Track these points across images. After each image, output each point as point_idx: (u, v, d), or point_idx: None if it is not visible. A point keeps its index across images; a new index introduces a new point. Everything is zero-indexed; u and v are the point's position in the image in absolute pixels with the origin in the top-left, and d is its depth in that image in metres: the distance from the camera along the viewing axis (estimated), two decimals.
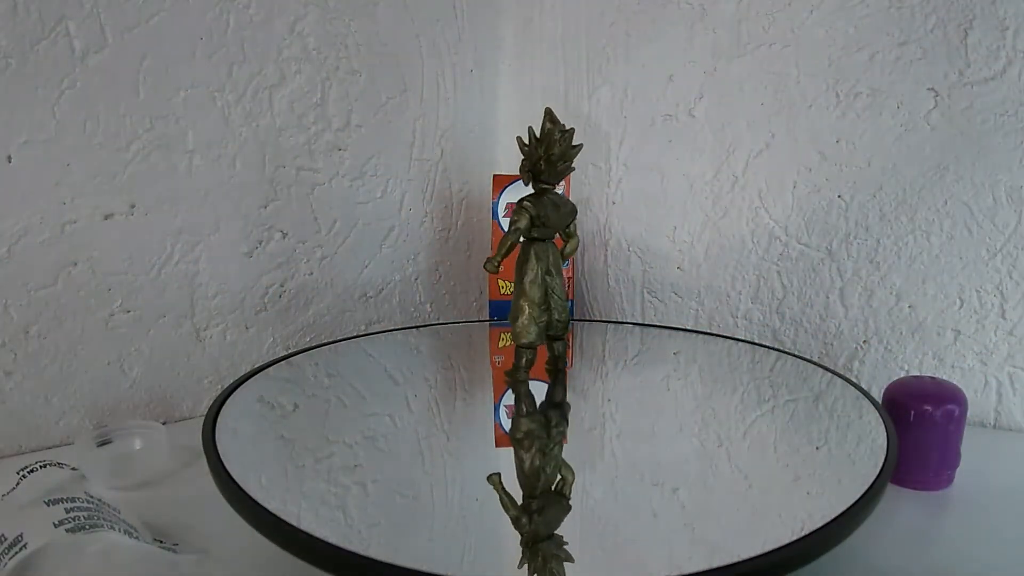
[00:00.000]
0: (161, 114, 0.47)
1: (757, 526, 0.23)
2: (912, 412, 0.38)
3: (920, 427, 0.38)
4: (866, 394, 0.35)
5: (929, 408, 0.38)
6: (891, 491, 0.39)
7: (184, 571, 0.29)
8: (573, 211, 0.43)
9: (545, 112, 0.40)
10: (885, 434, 0.30)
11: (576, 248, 0.44)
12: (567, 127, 0.40)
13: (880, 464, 0.27)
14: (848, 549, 0.32)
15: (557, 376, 0.42)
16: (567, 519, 0.27)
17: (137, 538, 0.30)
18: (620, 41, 0.63)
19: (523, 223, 0.39)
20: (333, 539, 0.22)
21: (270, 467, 0.28)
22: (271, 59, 0.52)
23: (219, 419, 0.31)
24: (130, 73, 0.45)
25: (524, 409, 0.36)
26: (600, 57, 0.65)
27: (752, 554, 0.21)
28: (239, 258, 0.52)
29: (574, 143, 0.40)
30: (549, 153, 0.39)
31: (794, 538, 0.22)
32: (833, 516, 0.23)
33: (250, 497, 0.24)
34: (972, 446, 0.41)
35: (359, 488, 0.27)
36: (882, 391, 0.40)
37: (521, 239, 0.40)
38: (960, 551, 0.32)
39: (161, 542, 0.31)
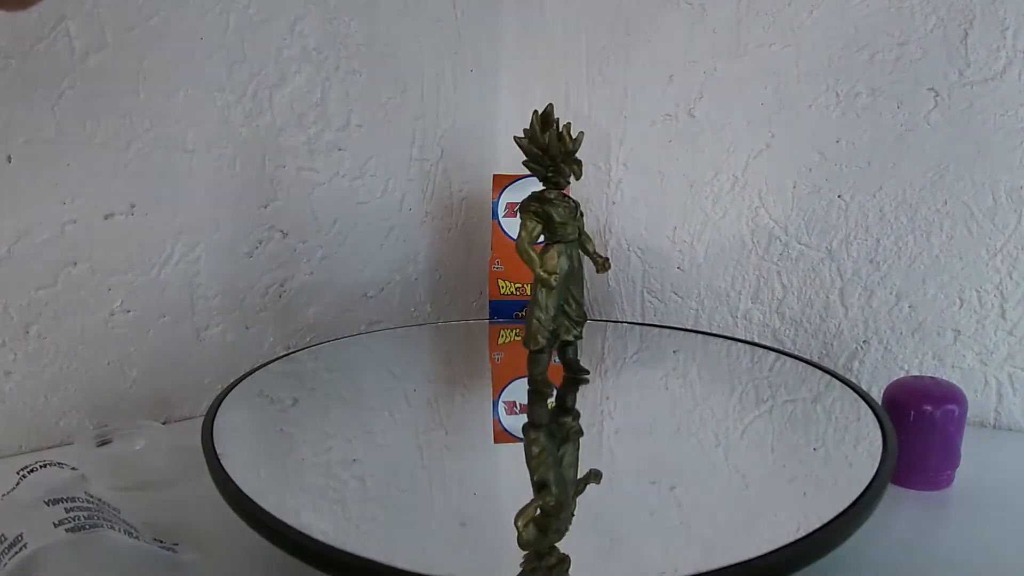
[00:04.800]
0: (161, 114, 0.47)
1: (754, 525, 0.23)
2: (912, 412, 0.38)
3: (920, 427, 0.38)
4: (864, 395, 0.35)
5: (929, 408, 0.38)
6: (891, 491, 0.39)
7: (184, 571, 0.29)
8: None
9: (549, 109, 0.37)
10: (882, 436, 0.30)
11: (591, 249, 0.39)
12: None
13: (877, 465, 0.27)
14: (847, 549, 0.32)
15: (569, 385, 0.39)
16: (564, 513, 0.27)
17: (137, 538, 0.30)
18: (620, 41, 0.64)
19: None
20: (331, 533, 0.22)
21: (269, 461, 0.28)
22: (271, 59, 0.52)
23: (219, 413, 0.31)
24: (130, 73, 0.45)
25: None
26: (600, 57, 0.65)
27: (752, 555, 0.21)
28: (239, 258, 0.52)
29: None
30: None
31: (791, 540, 0.22)
32: (831, 517, 0.23)
33: (250, 499, 0.24)
34: (972, 446, 0.40)
35: (357, 482, 0.27)
36: (882, 391, 0.40)
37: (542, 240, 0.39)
38: (960, 551, 0.32)
39: (161, 542, 0.31)
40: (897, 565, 0.31)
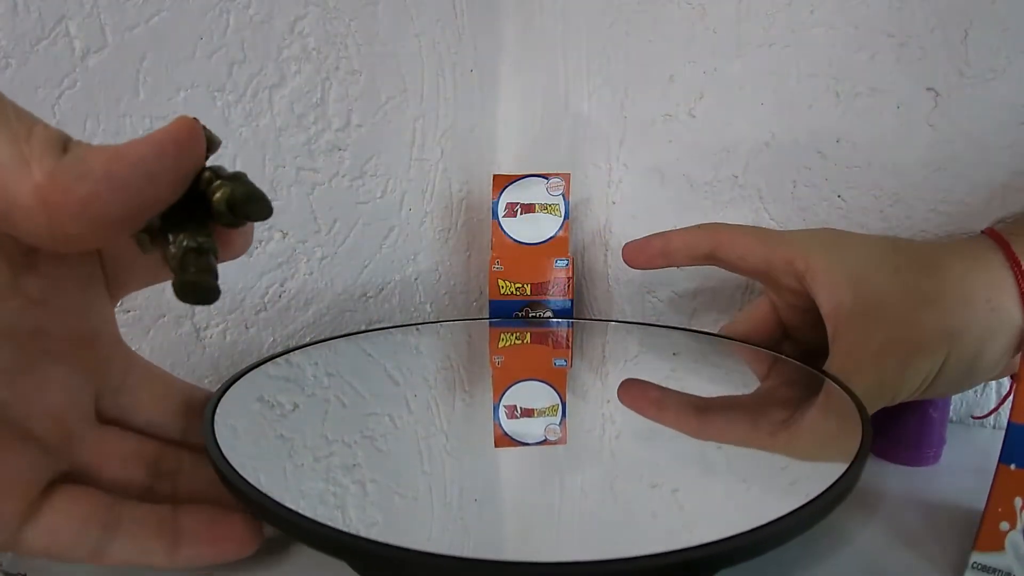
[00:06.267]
0: (161, 114, 0.47)
1: (757, 526, 0.23)
2: None
3: (903, 407, 0.41)
4: (855, 399, 0.35)
5: None
6: (881, 466, 0.43)
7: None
8: None
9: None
10: (861, 434, 0.30)
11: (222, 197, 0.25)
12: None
13: (846, 467, 0.27)
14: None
15: None
16: (565, 518, 0.27)
17: None
18: (620, 41, 0.63)
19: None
20: None
21: (269, 466, 0.28)
22: (271, 59, 0.52)
23: (219, 418, 0.31)
24: (130, 73, 0.45)
25: None
26: (600, 57, 0.65)
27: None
28: (239, 258, 0.52)
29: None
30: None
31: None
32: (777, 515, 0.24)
33: (256, 488, 0.24)
34: (972, 446, 0.41)
35: (358, 487, 0.27)
36: None
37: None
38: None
39: None
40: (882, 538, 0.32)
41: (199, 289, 0.24)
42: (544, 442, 0.34)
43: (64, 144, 0.22)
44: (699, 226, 0.48)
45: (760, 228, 0.46)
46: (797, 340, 0.48)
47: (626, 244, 0.51)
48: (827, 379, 0.38)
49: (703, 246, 0.47)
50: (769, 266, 0.44)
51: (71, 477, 0.27)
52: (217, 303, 0.51)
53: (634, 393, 0.42)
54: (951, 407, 0.45)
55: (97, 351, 0.29)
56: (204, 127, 0.25)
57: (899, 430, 0.43)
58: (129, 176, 0.21)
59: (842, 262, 0.40)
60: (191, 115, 0.24)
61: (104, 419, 0.29)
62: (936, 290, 0.38)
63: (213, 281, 0.25)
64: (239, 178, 0.25)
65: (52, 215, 0.20)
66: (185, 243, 0.24)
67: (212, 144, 0.26)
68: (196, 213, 0.25)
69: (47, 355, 0.26)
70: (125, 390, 0.31)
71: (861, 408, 0.33)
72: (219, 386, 0.35)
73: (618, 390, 0.42)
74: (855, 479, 0.27)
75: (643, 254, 0.50)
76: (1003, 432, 0.28)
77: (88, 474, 0.28)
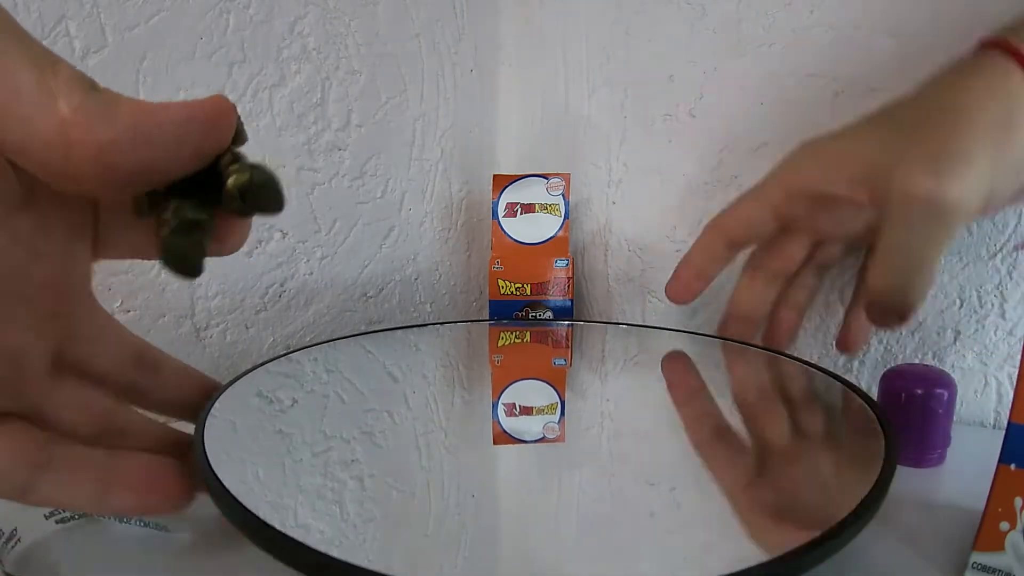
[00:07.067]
0: None
1: (755, 526, 0.23)
2: (903, 395, 0.40)
3: (910, 408, 0.41)
4: (866, 397, 0.35)
5: (920, 391, 0.40)
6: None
7: (175, 548, 0.30)
8: None
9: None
10: (884, 440, 0.30)
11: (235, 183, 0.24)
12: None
13: (879, 470, 0.27)
14: None
15: None
16: (562, 515, 0.27)
17: (127, 523, 0.30)
18: (620, 41, 0.64)
19: None
20: (328, 532, 0.22)
21: (267, 461, 0.28)
22: (271, 59, 0.52)
23: (218, 413, 0.31)
24: (130, 73, 0.45)
25: None
26: (600, 57, 0.65)
27: (755, 559, 0.21)
28: (239, 258, 0.52)
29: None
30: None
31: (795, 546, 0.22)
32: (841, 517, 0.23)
33: (237, 500, 0.24)
34: (978, 447, 0.41)
35: (356, 483, 0.27)
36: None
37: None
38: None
39: (147, 524, 0.31)
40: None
41: (186, 256, 0.23)
42: (542, 440, 0.34)
43: (91, 84, 0.21)
44: (703, 231, 0.48)
45: (745, 192, 0.46)
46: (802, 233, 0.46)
47: (666, 286, 0.49)
48: (832, 380, 0.38)
49: (717, 244, 0.46)
50: (777, 215, 0.44)
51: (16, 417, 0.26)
52: (217, 303, 0.52)
53: (677, 369, 0.43)
54: (956, 408, 0.45)
55: (68, 300, 0.28)
56: (239, 116, 0.25)
57: (904, 430, 0.43)
58: (154, 133, 0.21)
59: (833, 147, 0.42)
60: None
61: (61, 367, 0.29)
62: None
63: (200, 257, 0.24)
64: (258, 167, 0.25)
65: (71, 153, 0.20)
66: (188, 214, 0.24)
67: (240, 135, 0.25)
68: (206, 193, 0.25)
69: (17, 296, 0.25)
70: (84, 340, 0.30)
71: (869, 401, 0.33)
72: (218, 390, 0.35)
73: (663, 362, 0.45)
74: (881, 497, 0.26)
75: (682, 287, 0.49)
76: (1002, 433, 0.28)
77: (37, 419, 0.27)
